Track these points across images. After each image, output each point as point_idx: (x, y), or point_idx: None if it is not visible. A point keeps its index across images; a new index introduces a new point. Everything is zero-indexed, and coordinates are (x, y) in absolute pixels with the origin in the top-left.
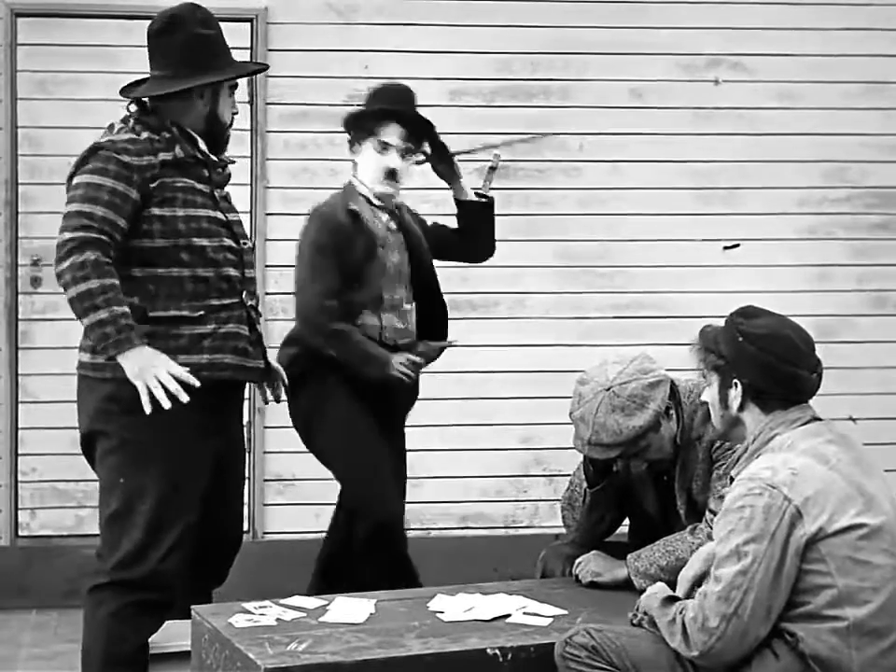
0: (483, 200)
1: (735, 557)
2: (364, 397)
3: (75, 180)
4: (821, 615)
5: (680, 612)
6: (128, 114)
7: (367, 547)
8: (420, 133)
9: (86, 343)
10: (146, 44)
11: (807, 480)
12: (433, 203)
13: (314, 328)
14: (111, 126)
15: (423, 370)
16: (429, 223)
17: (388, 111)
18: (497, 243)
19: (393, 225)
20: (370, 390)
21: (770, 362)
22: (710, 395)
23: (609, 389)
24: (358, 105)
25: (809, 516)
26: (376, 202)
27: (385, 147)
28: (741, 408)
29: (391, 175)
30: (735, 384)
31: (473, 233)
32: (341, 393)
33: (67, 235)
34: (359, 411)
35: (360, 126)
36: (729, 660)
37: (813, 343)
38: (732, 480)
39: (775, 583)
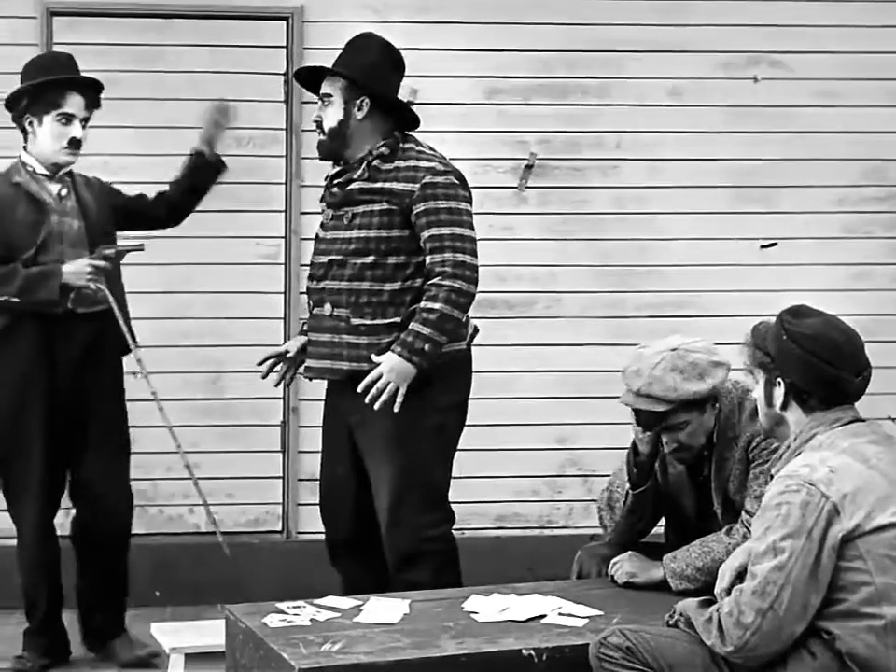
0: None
1: (771, 553)
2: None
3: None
4: (858, 613)
5: (717, 610)
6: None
7: None
8: (95, 99)
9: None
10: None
11: (846, 477)
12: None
13: None
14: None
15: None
16: (123, 193)
17: (71, 81)
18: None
19: (65, 192)
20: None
21: (812, 363)
22: (757, 392)
23: (674, 350)
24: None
25: (847, 513)
26: (43, 172)
27: (68, 117)
28: (784, 407)
29: (76, 144)
30: (779, 382)
31: (193, 190)
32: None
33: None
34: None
35: (40, 100)
36: (763, 655)
37: (862, 345)
38: (772, 478)
39: (811, 580)
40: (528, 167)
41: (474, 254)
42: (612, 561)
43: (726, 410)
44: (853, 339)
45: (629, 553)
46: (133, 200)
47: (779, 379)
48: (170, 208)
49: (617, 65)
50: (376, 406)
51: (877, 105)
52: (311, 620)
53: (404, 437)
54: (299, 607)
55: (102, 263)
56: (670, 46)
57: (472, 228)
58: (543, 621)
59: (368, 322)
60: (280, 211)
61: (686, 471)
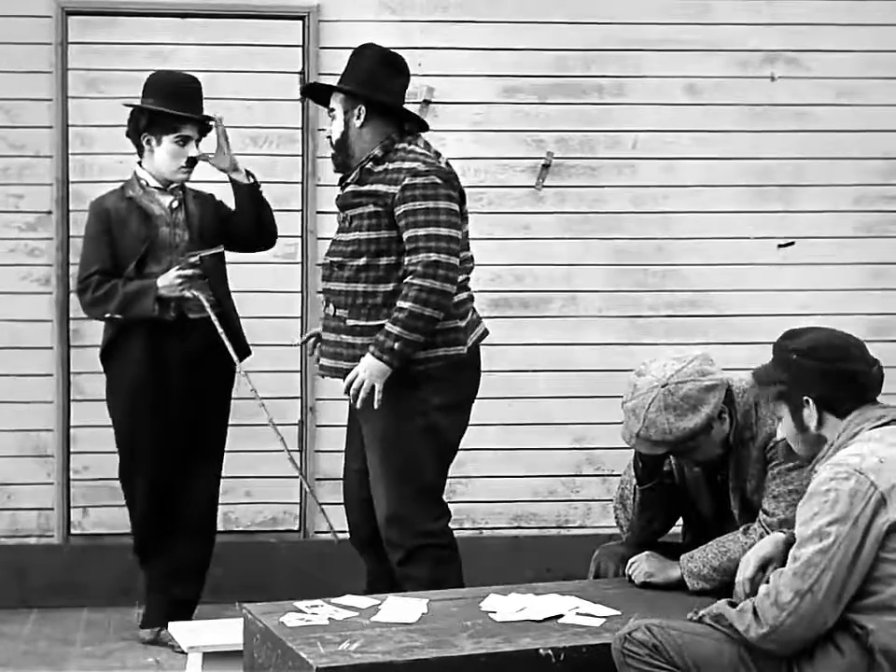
0: (250, 181)
1: (817, 538)
2: None
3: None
4: (892, 607)
5: (751, 601)
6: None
7: None
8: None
9: None
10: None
11: (895, 468)
12: None
13: (87, 310)
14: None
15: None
16: (225, 209)
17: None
18: (277, 233)
19: (175, 204)
20: None
21: (830, 368)
22: (786, 428)
23: (664, 386)
24: (150, 104)
25: (894, 504)
26: (156, 185)
27: (185, 139)
28: (820, 423)
29: (193, 162)
30: (806, 401)
31: (244, 215)
32: None
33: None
34: None
35: (159, 122)
36: (795, 640)
37: (864, 345)
38: (815, 473)
39: (851, 568)
40: (545, 166)
41: (450, 253)
42: (630, 561)
43: (742, 410)
44: (855, 340)
45: (646, 552)
46: (229, 218)
47: (805, 398)
48: (240, 239)
49: (633, 64)
50: (357, 404)
51: (895, 103)
52: (329, 619)
53: (395, 436)
54: (316, 606)
55: (190, 272)
56: (687, 44)
57: (453, 226)
58: (561, 620)
59: (362, 323)
60: (297, 210)
61: (703, 471)
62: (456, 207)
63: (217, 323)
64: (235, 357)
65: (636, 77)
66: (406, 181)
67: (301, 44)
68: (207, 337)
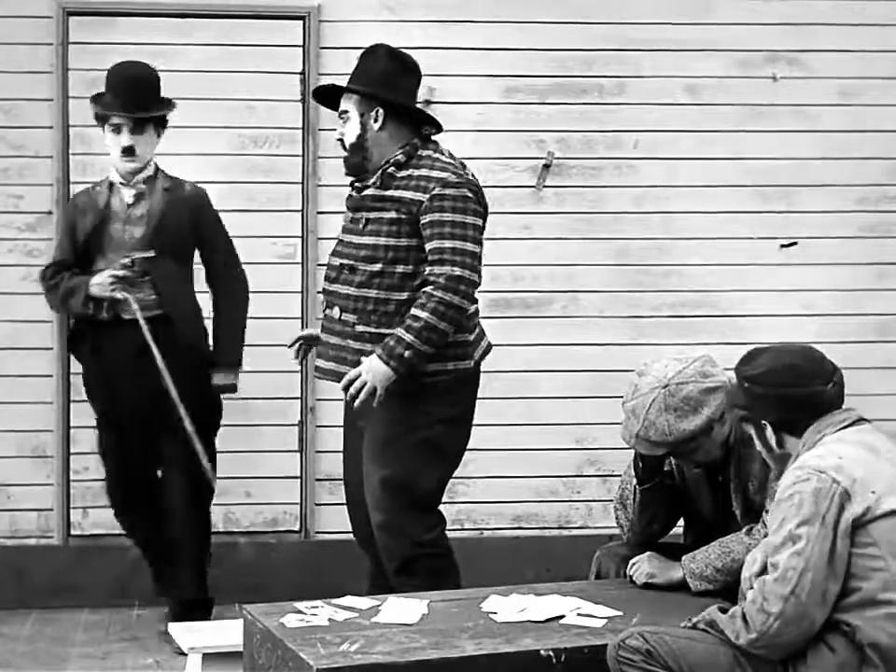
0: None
1: (789, 542)
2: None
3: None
4: (876, 600)
5: (740, 606)
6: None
7: None
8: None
9: None
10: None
11: (855, 464)
12: None
13: (46, 300)
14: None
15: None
16: (209, 228)
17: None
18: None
19: (131, 200)
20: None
21: (779, 394)
22: (757, 446)
23: (665, 387)
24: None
25: (858, 496)
26: (120, 179)
27: (117, 127)
28: (780, 443)
29: (128, 151)
30: (765, 425)
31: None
32: None
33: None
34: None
35: (97, 114)
36: (785, 644)
37: (822, 356)
38: None
39: (829, 567)
40: (546, 166)
41: (474, 270)
42: (631, 561)
43: None
44: (808, 355)
45: (648, 553)
46: (207, 252)
47: (763, 422)
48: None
49: (634, 64)
50: (355, 405)
51: (895, 103)
52: (329, 620)
53: (394, 446)
54: (316, 607)
55: (122, 273)
56: (688, 44)
57: (479, 243)
58: (562, 621)
59: (372, 330)
60: (297, 210)
61: (704, 472)
62: (482, 223)
63: (144, 328)
64: (155, 349)
65: (636, 77)
66: (436, 191)
67: (301, 44)
68: (142, 338)
